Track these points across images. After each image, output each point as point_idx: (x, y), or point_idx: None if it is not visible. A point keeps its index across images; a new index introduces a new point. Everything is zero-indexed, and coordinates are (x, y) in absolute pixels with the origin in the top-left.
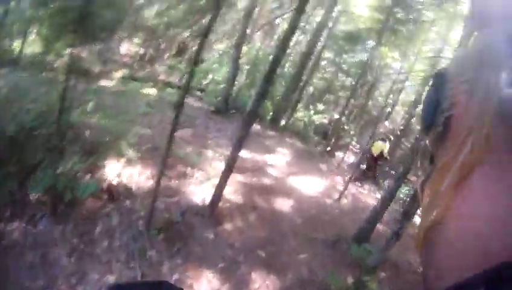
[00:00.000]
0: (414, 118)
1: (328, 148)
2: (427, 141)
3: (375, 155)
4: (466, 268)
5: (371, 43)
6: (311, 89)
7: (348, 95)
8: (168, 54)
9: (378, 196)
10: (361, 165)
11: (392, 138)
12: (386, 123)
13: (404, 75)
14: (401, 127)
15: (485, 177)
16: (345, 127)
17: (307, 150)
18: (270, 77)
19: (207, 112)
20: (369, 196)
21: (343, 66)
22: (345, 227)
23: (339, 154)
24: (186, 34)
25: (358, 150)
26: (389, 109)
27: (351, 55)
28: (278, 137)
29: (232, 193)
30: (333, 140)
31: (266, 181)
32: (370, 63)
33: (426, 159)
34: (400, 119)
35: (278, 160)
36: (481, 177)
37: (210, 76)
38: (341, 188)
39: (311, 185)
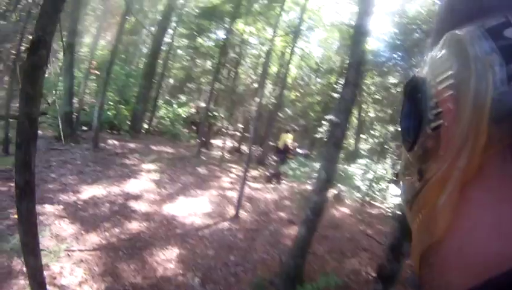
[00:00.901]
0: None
1: (203, 139)
2: (412, 157)
3: (281, 148)
4: (469, 283)
5: (226, 20)
6: (171, 81)
7: (211, 79)
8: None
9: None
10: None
11: (297, 128)
12: (257, 99)
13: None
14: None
15: (487, 188)
16: (214, 113)
17: (179, 155)
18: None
19: (50, 141)
20: (272, 191)
21: (201, 49)
22: (261, 263)
23: (217, 142)
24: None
25: (232, 132)
26: (256, 85)
27: (207, 36)
28: (142, 147)
29: (77, 276)
30: (206, 129)
31: (133, 228)
32: (228, 41)
33: (413, 175)
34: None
35: (145, 185)
36: (482, 189)
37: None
38: (233, 194)
39: (196, 207)
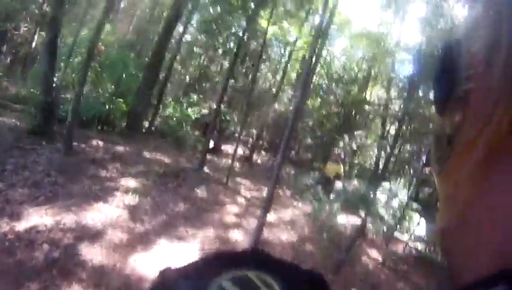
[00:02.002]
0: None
1: (211, 145)
2: (443, 122)
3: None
4: (488, 267)
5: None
6: (182, 78)
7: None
8: None
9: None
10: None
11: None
12: (274, 105)
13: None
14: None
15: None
16: (227, 116)
17: (175, 168)
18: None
19: (19, 136)
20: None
21: (219, 47)
22: None
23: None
24: None
25: (245, 138)
26: (274, 90)
27: (227, 33)
28: (131, 153)
29: None
30: (216, 133)
31: None
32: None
33: (443, 143)
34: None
35: (114, 213)
36: (507, 166)
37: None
38: (242, 236)
39: (182, 259)
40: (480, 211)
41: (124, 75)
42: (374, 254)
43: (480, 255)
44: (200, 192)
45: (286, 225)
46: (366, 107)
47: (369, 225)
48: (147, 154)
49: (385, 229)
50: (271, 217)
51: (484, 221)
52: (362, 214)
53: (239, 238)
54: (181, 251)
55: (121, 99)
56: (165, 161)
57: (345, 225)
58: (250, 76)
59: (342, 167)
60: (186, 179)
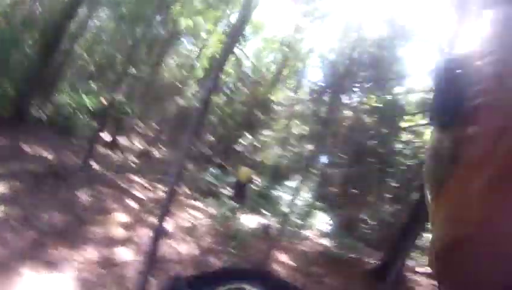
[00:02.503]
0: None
1: (108, 139)
2: (446, 139)
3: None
4: (502, 280)
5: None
6: (91, 66)
7: (129, 70)
8: None
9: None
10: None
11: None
12: (177, 99)
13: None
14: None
15: None
16: (126, 108)
17: (57, 166)
18: None
19: None
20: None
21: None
22: None
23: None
24: None
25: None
26: (179, 84)
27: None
28: (4, 147)
29: None
30: (113, 125)
31: None
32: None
33: (443, 160)
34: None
35: None
36: None
37: None
38: (132, 255)
39: None
40: (496, 227)
41: (13, 56)
42: (283, 258)
43: (495, 273)
44: (84, 196)
45: (186, 234)
46: (273, 107)
47: (276, 226)
48: (27, 148)
49: (291, 229)
50: (169, 224)
51: (502, 237)
52: (268, 215)
53: (128, 257)
54: (48, 284)
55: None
56: (48, 157)
57: (252, 228)
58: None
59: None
60: (69, 180)
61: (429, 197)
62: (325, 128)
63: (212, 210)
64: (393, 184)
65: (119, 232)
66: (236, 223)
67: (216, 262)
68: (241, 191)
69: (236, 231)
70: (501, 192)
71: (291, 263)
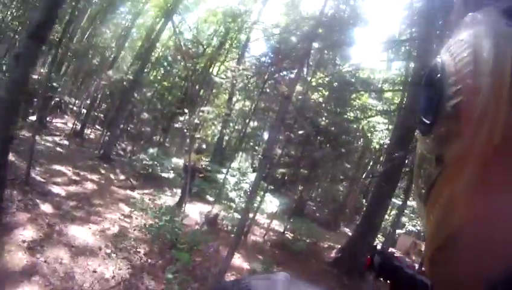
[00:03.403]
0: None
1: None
2: (430, 143)
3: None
4: (490, 277)
5: None
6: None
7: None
8: None
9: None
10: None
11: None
12: (110, 72)
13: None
14: None
15: (509, 169)
16: (54, 83)
17: None
18: None
19: None
20: None
21: None
22: None
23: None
24: None
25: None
26: (113, 55)
27: None
28: None
29: None
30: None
31: None
32: None
33: (429, 163)
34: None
35: None
36: (506, 169)
37: None
38: None
39: None
40: (480, 221)
41: None
42: (240, 261)
43: (485, 267)
44: None
45: (112, 245)
46: (214, 81)
47: (224, 214)
48: None
49: (238, 216)
50: (91, 230)
51: (486, 229)
52: (214, 201)
53: None
54: None
55: None
56: None
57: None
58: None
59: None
60: None
61: (420, 203)
62: (271, 104)
63: (148, 202)
64: (346, 164)
65: (14, 258)
66: (179, 225)
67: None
68: (187, 175)
69: (177, 235)
70: (484, 189)
71: (245, 261)
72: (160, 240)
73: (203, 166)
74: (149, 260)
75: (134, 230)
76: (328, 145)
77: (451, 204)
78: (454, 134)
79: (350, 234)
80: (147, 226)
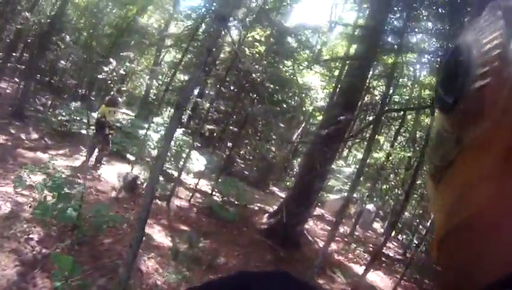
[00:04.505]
0: None
1: None
2: (450, 123)
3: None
4: (503, 267)
5: None
6: None
7: None
8: None
9: None
10: None
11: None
12: (28, 15)
13: None
14: None
15: None
16: None
17: None
18: None
19: None
20: None
21: None
22: None
23: None
24: None
25: None
26: None
27: None
28: None
29: None
30: None
31: None
32: None
33: (447, 143)
34: None
35: None
36: None
37: None
38: None
39: None
40: (502, 209)
41: None
42: (158, 227)
43: (499, 256)
44: None
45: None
46: (146, 30)
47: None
48: None
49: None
50: None
51: (507, 221)
52: (134, 161)
53: None
54: None
55: None
56: None
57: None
58: None
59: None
60: None
61: (430, 182)
62: (203, 57)
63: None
64: (280, 123)
65: None
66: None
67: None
68: (102, 131)
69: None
70: (507, 173)
71: (167, 235)
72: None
73: (120, 120)
74: (43, 250)
75: (30, 207)
76: (261, 102)
77: (470, 187)
78: (478, 116)
79: (280, 194)
80: (39, 203)
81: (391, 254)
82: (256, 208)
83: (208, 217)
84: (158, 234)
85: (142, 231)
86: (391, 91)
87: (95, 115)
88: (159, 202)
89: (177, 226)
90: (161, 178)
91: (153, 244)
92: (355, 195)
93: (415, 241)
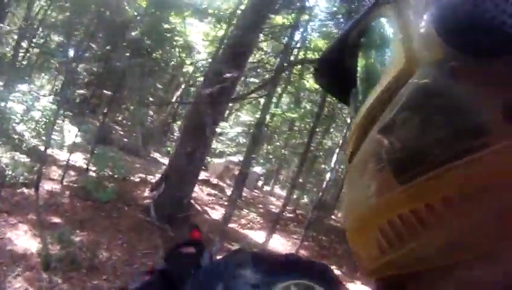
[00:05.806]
0: None
1: None
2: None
3: None
4: None
5: None
6: None
7: None
8: None
9: None
10: None
11: None
12: None
13: None
14: None
15: None
16: None
17: None
18: None
19: None
20: None
21: None
22: None
23: None
24: None
25: None
26: None
27: None
28: None
29: None
30: None
31: None
32: None
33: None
34: None
35: None
36: None
37: None
38: None
39: None
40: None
41: None
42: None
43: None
44: None
45: None
46: None
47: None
48: None
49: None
50: None
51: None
52: None
53: None
54: None
55: None
56: None
57: None
58: None
59: None
60: None
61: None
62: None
63: None
64: (157, 84)
65: None
66: None
67: None
68: None
69: None
70: None
71: (35, 235)
72: None
73: None
74: None
75: None
76: (137, 58)
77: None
78: (504, 72)
79: (162, 160)
80: None
81: (288, 215)
82: (138, 179)
83: (83, 200)
84: (24, 237)
85: None
86: (297, 44)
87: None
88: (26, 190)
89: (48, 219)
90: (26, 158)
91: (19, 253)
92: (240, 157)
93: (307, 201)
